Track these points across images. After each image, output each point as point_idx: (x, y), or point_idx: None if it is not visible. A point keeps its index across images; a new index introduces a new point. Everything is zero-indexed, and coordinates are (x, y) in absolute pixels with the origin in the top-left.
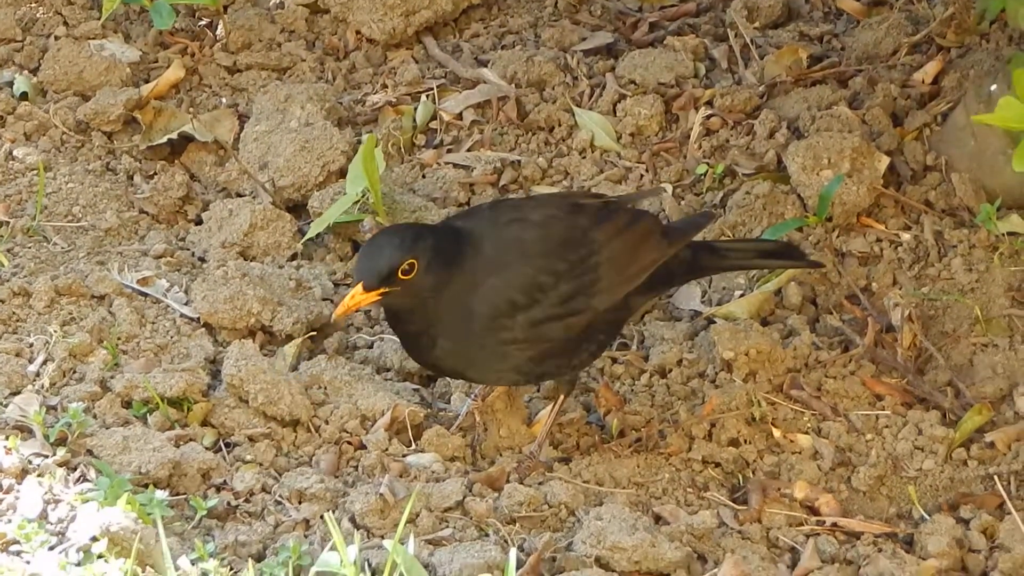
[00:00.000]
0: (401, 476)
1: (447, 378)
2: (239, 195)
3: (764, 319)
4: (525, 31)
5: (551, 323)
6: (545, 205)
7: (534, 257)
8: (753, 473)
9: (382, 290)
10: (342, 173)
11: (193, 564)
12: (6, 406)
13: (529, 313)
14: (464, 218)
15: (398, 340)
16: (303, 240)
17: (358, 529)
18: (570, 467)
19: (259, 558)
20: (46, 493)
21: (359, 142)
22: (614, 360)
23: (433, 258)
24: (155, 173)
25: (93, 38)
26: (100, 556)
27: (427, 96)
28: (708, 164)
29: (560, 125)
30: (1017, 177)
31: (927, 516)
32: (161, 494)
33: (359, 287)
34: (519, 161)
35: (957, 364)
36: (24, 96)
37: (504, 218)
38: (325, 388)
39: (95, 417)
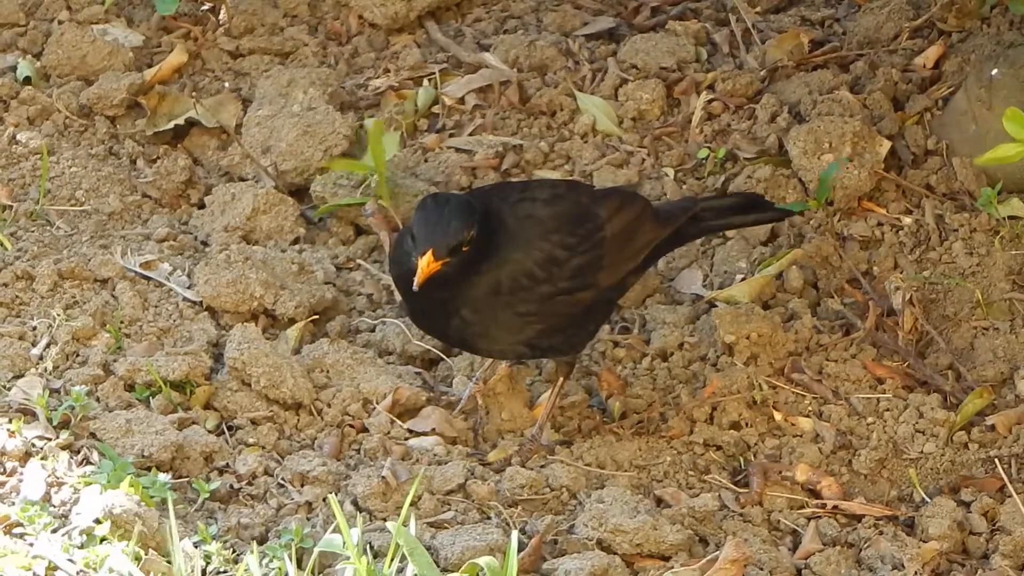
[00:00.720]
0: (403, 459)
1: (452, 355)
2: (242, 179)
3: (765, 303)
4: (527, 16)
5: (562, 297)
6: (545, 185)
7: (550, 232)
8: (754, 456)
9: (446, 259)
10: (344, 157)
11: (196, 546)
12: (9, 389)
13: (544, 287)
14: (475, 198)
15: (406, 313)
16: (313, 214)
17: (360, 512)
18: (572, 450)
19: (262, 540)
20: (49, 476)
21: (361, 126)
22: (616, 344)
23: (478, 231)
24: (158, 157)
25: (96, 23)
26: (103, 539)
27: (429, 80)
28: (710, 148)
29: (562, 109)
30: (1018, 161)
31: (928, 499)
32: (164, 477)
33: (429, 254)
34: (521, 145)
35: (958, 347)
36: (27, 80)
37: (513, 196)
38: (327, 371)
39: (98, 400)
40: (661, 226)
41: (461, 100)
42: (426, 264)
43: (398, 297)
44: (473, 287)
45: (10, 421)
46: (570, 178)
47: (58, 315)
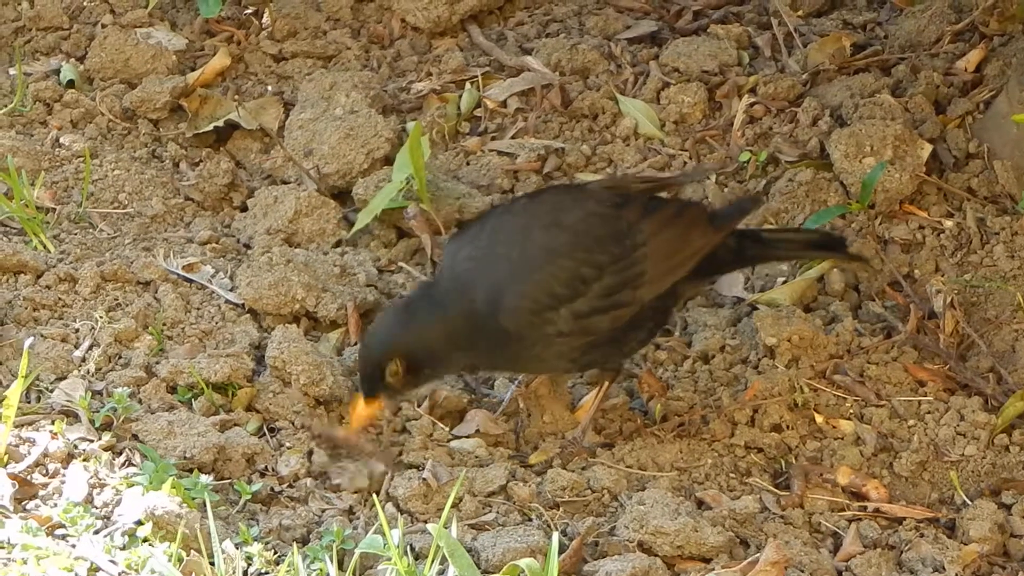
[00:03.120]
0: (445, 462)
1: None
2: (284, 182)
3: (807, 305)
4: (569, 19)
5: (597, 316)
6: (590, 199)
7: (573, 252)
8: (795, 459)
9: (381, 396)
10: (387, 160)
11: (237, 548)
12: (52, 391)
13: (572, 305)
14: (496, 217)
15: None
16: (351, 233)
17: (401, 513)
18: (613, 452)
19: (303, 542)
20: (91, 477)
21: (403, 130)
22: (657, 346)
23: (419, 347)
24: (201, 160)
25: (140, 26)
26: (145, 540)
27: (471, 84)
28: (751, 151)
29: (604, 113)
30: None
31: (969, 501)
32: (206, 478)
33: (360, 400)
34: (563, 148)
35: (999, 350)
36: (71, 84)
37: (542, 221)
38: None
39: (140, 402)
40: (716, 231)
41: (503, 103)
42: (354, 412)
43: None
44: (480, 348)
45: (52, 423)
46: (628, 177)
47: (100, 317)
